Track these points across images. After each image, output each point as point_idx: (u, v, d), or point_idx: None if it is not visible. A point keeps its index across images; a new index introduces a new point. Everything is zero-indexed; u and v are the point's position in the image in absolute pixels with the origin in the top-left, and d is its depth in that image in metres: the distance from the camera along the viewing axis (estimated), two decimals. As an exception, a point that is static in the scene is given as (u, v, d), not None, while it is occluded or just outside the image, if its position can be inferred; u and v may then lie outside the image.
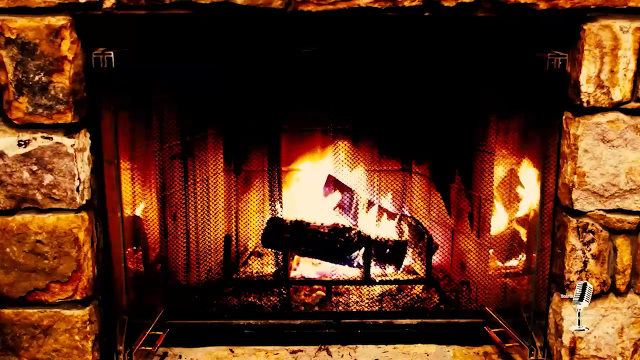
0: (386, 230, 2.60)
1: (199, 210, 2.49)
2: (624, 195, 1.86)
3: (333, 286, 2.44)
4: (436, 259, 2.55)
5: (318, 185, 2.67)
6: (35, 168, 1.82)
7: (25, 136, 1.80)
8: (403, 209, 2.67)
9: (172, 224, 2.39)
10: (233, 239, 2.63)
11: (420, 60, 2.19)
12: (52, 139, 1.80)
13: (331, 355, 2.14)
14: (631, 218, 1.88)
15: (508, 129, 2.21)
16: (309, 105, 2.49)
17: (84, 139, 1.87)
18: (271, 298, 2.41)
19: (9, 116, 1.79)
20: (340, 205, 2.66)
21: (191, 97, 2.34)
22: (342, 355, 2.14)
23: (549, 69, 1.83)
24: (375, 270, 2.48)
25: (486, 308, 2.25)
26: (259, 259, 2.73)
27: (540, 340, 2.03)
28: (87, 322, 1.92)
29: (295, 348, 2.17)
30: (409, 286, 2.50)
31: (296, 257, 2.58)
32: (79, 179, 1.84)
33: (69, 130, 1.81)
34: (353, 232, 2.47)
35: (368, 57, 2.16)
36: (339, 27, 1.89)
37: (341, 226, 2.50)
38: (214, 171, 2.55)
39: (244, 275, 2.60)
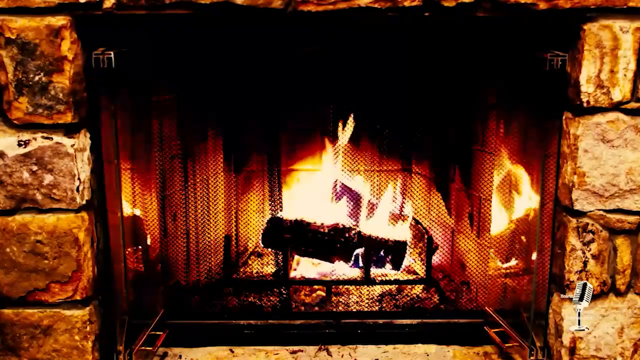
0: (386, 230, 2.60)
1: (199, 210, 2.49)
2: (624, 196, 1.86)
3: (333, 286, 2.44)
4: (436, 259, 2.55)
5: (318, 185, 2.67)
6: (35, 168, 1.81)
7: (25, 136, 1.80)
8: (403, 209, 2.67)
9: (172, 224, 2.39)
10: (233, 239, 2.63)
11: (421, 60, 2.20)
12: (52, 139, 1.80)
13: (331, 355, 2.14)
14: (631, 218, 1.88)
15: (508, 129, 2.21)
16: (309, 105, 2.49)
17: (83, 139, 1.87)
18: (271, 298, 2.41)
19: (9, 116, 1.79)
20: (340, 205, 2.66)
21: (191, 97, 2.34)
22: (342, 355, 2.14)
23: (549, 69, 1.83)
24: (375, 270, 2.47)
25: (486, 308, 2.25)
26: (259, 259, 2.73)
27: (540, 341, 2.03)
28: (87, 322, 1.92)
29: (295, 348, 2.17)
30: (409, 286, 2.50)
31: (296, 257, 2.58)
32: (79, 179, 1.84)
33: (69, 130, 1.81)
34: (353, 232, 2.47)
35: (368, 57, 2.16)
36: (339, 27, 1.90)
37: (341, 226, 2.50)
38: (214, 171, 2.55)
39: (244, 275, 2.60)
